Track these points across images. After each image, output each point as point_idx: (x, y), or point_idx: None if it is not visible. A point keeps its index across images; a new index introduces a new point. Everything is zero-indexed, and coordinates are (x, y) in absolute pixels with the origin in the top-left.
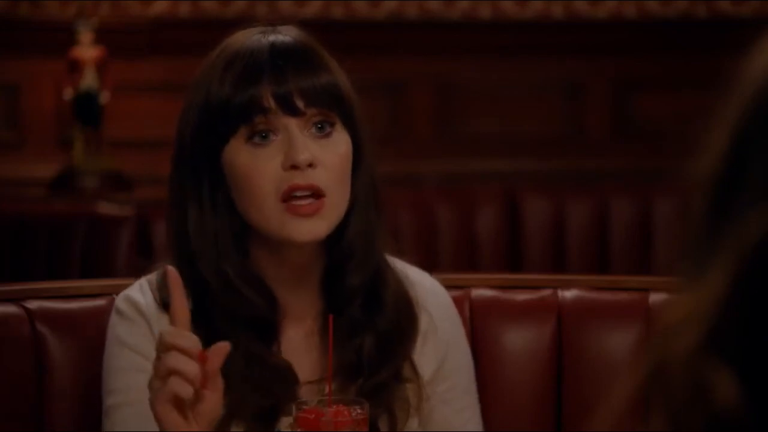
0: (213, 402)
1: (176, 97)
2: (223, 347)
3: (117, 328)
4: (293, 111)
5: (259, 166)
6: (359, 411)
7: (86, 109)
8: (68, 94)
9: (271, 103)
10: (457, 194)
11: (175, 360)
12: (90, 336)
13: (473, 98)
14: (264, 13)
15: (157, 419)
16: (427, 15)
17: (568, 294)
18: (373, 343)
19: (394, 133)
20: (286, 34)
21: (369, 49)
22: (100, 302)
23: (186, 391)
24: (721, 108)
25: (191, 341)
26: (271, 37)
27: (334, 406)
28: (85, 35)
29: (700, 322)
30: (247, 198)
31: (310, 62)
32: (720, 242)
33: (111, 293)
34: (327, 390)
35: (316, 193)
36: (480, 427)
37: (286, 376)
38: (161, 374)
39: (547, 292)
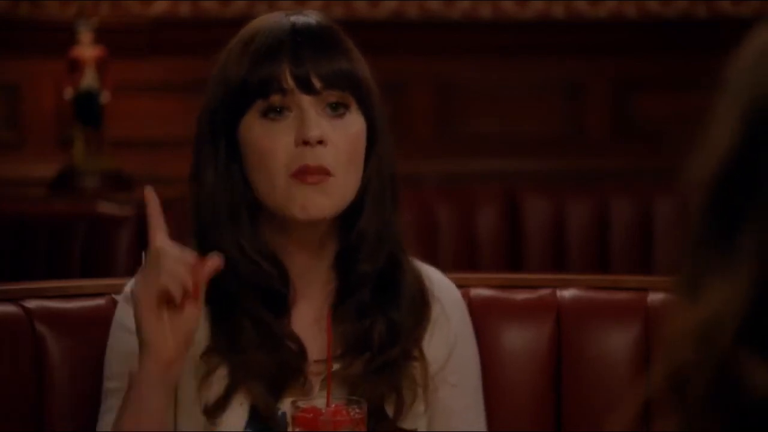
0: (192, 316)
1: (176, 97)
2: (216, 260)
3: (122, 313)
4: (309, 90)
5: (272, 141)
6: (357, 410)
7: (86, 109)
8: (68, 93)
9: (289, 82)
10: (457, 194)
11: (167, 262)
12: (89, 336)
13: (473, 98)
14: (264, 13)
15: (137, 317)
16: (427, 15)
17: (567, 293)
18: (384, 326)
19: (394, 133)
20: (308, 16)
21: (369, 49)
22: (99, 302)
23: (175, 287)
24: (717, 106)
25: (181, 251)
26: (293, 18)
27: (333, 406)
28: (86, 35)
29: (732, 319)
30: (259, 171)
31: (329, 45)
32: (737, 241)
33: (110, 293)
34: (327, 383)
35: (325, 173)
36: (484, 427)
37: (296, 346)
38: (149, 275)
39: (546, 292)
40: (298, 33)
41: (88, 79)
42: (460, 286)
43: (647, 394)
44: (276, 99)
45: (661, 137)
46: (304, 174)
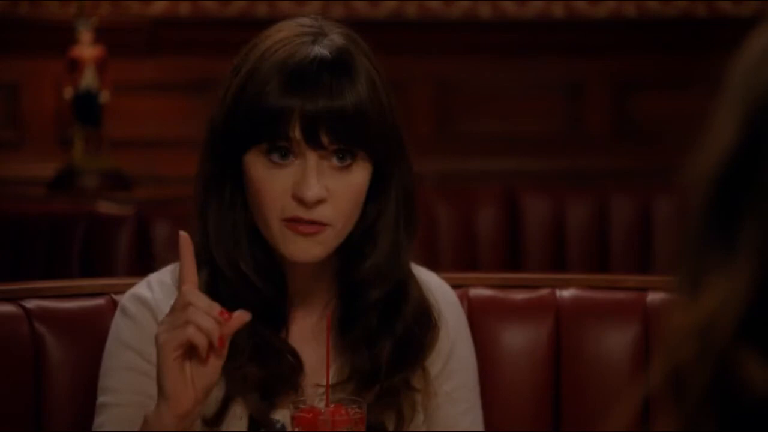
0: (213, 369)
1: (176, 97)
2: (243, 315)
3: (119, 326)
4: (316, 145)
5: (271, 187)
6: (357, 410)
7: (86, 108)
8: (68, 93)
9: (296, 133)
10: (457, 193)
11: (195, 313)
12: (88, 335)
13: (473, 98)
14: (264, 13)
15: (159, 364)
16: (427, 14)
17: (566, 293)
18: (391, 351)
19: None
20: (332, 50)
21: None
22: (98, 301)
23: (201, 341)
24: (718, 105)
25: (209, 302)
26: (315, 51)
27: (332, 405)
28: (85, 34)
29: (731, 318)
30: (255, 209)
31: (346, 90)
32: (737, 239)
33: (109, 292)
34: (326, 382)
35: (320, 224)
36: (482, 429)
37: (293, 359)
38: (176, 325)
39: (545, 291)
40: (317, 73)
41: (88, 79)
42: (459, 286)
43: (646, 392)
44: (282, 144)
45: (661, 137)
46: (296, 224)
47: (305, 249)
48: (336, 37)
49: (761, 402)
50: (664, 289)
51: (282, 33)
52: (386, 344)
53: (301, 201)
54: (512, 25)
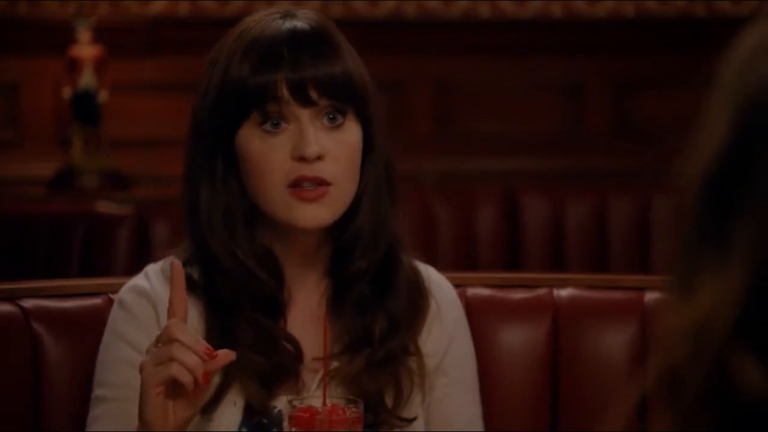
0: (196, 402)
1: (175, 97)
2: (228, 354)
3: (116, 320)
4: (306, 101)
5: (270, 155)
6: (354, 410)
7: (85, 108)
8: (67, 93)
9: (285, 92)
10: (457, 193)
11: (179, 350)
12: (87, 335)
13: (473, 98)
14: None
15: (142, 393)
16: (426, 14)
17: (564, 293)
18: (385, 320)
19: (393, 132)
20: (305, 21)
21: (368, 49)
22: (96, 301)
23: (187, 378)
24: (710, 103)
25: (195, 339)
26: (290, 24)
27: (329, 405)
28: (84, 34)
29: (725, 318)
30: (256, 183)
31: (326, 51)
32: (730, 239)
33: (107, 292)
34: (323, 383)
35: (322, 184)
36: (481, 425)
37: (292, 347)
38: (160, 360)
39: (543, 291)
40: (295, 41)
41: (87, 79)
42: (457, 286)
43: (643, 392)
44: (273, 108)
45: (660, 137)
46: (301, 188)
47: (313, 214)
48: (308, 12)
49: (756, 402)
50: (662, 289)
51: (252, 18)
52: (379, 313)
53: (302, 159)
54: (511, 25)
